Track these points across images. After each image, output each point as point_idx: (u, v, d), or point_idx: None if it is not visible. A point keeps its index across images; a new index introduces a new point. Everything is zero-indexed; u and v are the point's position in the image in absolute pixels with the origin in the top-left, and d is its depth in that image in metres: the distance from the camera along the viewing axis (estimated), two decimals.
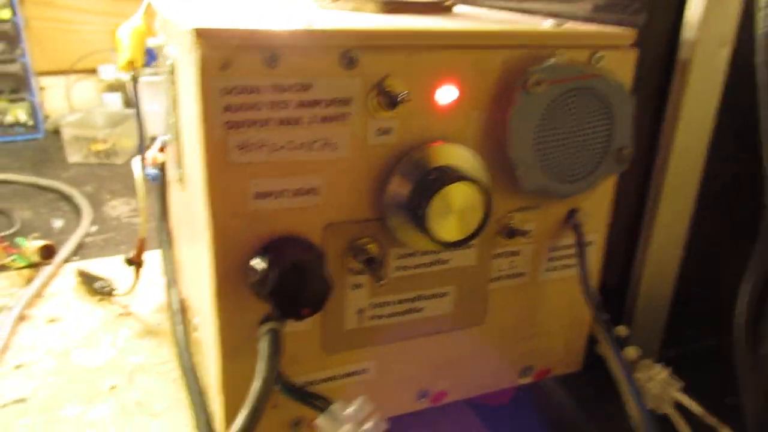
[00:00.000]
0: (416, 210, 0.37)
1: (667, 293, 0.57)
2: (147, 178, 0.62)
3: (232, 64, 0.33)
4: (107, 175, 1.17)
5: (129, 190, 1.09)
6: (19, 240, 0.78)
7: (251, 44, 0.33)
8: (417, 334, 0.45)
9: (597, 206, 0.47)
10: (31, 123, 1.42)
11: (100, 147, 1.24)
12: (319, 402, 0.38)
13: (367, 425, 0.37)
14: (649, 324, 0.58)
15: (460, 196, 0.37)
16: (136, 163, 0.62)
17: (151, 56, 1.61)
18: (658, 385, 0.49)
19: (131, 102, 1.49)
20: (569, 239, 0.47)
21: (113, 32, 1.66)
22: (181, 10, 0.42)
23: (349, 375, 0.44)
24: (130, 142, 1.30)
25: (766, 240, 0.41)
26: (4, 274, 0.74)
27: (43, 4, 1.48)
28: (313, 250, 0.37)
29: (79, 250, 0.84)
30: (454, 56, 0.38)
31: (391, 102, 0.37)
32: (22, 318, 0.65)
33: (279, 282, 0.34)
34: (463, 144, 0.40)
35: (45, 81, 1.50)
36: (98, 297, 0.70)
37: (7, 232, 0.87)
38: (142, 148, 0.61)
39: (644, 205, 0.55)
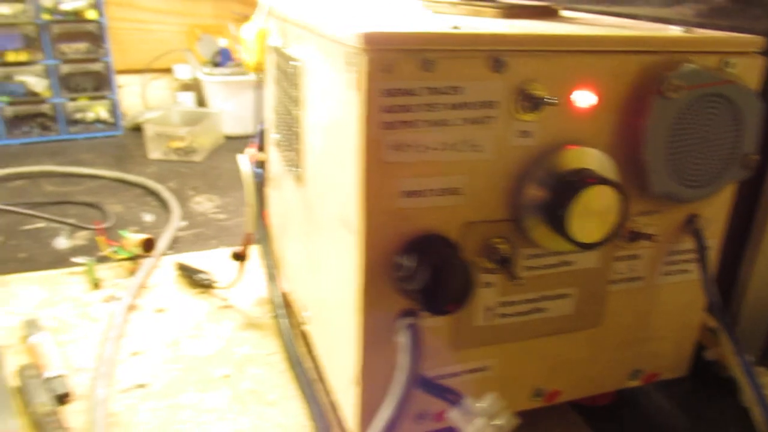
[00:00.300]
0: (556, 210, 0.38)
1: None
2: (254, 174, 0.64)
3: (394, 67, 0.34)
4: (187, 172, 1.20)
5: (210, 187, 1.12)
6: (121, 232, 0.81)
7: (412, 48, 0.34)
8: (538, 334, 0.45)
9: (717, 212, 0.47)
10: (111, 120, 1.47)
11: (179, 144, 1.27)
12: (451, 396, 0.39)
13: (499, 420, 0.38)
14: (753, 332, 0.57)
15: (599, 198, 0.37)
16: (243, 160, 0.64)
17: (225, 57, 1.63)
18: None
19: (204, 101, 1.53)
20: (687, 244, 0.47)
21: (188, 33, 1.70)
22: (315, 13, 0.44)
23: (472, 371, 0.44)
24: (207, 140, 1.33)
25: None
26: (106, 265, 0.77)
27: (123, 5, 1.53)
28: (457, 248, 0.38)
29: (173, 244, 0.87)
30: (593, 60, 0.39)
31: (535, 105, 0.38)
32: (131, 308, 0.67)
33: (430, 278, 0.35)
34: (596, 147, 0.40)
35: (122, 80, 1.55)
36: (198, 289, 0.73)
37: (106, 225, 0.90)
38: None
39: (754, 212, 0.55)
